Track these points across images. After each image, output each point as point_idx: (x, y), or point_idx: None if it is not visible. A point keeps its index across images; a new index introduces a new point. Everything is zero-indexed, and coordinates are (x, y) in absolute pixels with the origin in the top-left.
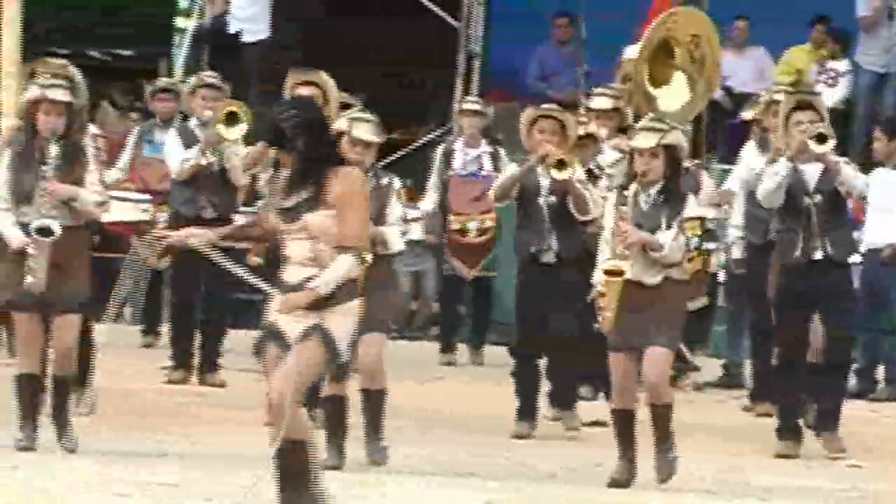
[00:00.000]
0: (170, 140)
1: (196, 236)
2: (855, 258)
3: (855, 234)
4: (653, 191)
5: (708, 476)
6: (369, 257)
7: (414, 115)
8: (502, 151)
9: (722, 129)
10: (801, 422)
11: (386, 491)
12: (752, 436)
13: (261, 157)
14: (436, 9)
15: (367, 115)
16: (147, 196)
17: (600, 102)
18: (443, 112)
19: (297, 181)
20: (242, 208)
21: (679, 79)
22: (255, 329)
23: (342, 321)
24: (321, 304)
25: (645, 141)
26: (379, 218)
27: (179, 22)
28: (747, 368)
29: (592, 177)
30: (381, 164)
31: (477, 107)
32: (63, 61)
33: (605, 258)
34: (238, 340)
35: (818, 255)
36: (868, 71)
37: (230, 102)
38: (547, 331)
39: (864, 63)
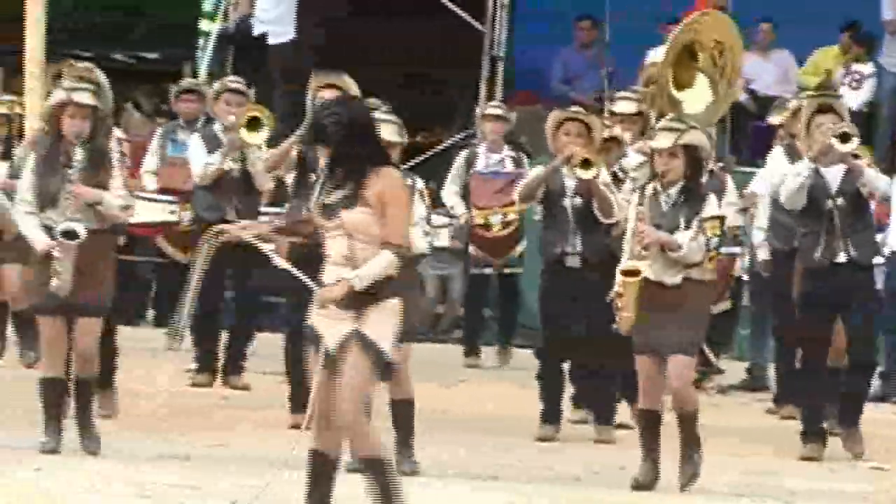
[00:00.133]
0: (193, 144)
1: (251, 228)
2: (878, 260)
3: (878, 237)
4: (673, 191)
5: (732, 479)
6: None
7: (437, 117)
8: (525, 157)
9: (745, 131)
10: (825, 425)
11: (409, 492)
12: (776, 439)
13: (282, 159)
14: (461, 12)
15: (391, 116)
16: (172, 197)
17: (624, 106)
18: (466, 114)
19: (336, 178)
20: (265, 209)
21: (702, 81)
22: (279, 332)
23: (381, 320)
24: (358, 302)
25: (664, 141)
26: None
27: (203, 25)
28: (771, 371)
29: (616, 180)
30: (405, 167)
31: (500, 112)
32: (88, 64)
33: (624, 259)
34: (262, 343)
35: (841, 257)
36: (892, 74)
37: (253, 107)
38: (572, 334)
39: (889, 66)
